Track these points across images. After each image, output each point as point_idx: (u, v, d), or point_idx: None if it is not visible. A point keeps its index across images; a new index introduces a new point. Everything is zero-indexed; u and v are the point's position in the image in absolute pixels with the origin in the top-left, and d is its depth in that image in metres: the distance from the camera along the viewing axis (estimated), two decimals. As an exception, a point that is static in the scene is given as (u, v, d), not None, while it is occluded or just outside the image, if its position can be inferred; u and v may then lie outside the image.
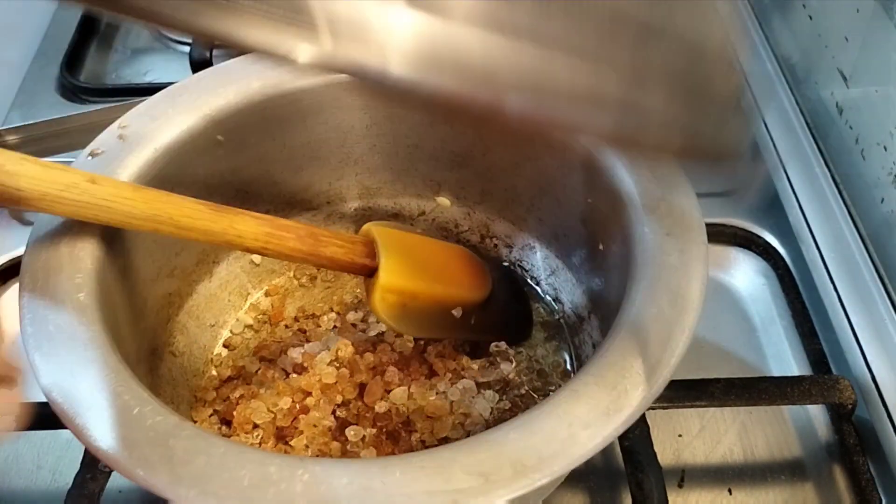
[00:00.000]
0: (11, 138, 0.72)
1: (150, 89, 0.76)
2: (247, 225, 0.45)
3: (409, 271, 0.51)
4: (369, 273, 0.50)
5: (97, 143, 0.49)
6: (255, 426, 0.51)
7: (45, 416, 0.51)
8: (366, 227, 0.52)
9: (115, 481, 0.50)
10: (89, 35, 0.90)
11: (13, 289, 0.65)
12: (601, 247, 0.51)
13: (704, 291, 0.41)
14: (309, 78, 0.54)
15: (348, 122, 0.57)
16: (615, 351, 0.39)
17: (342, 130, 0.57)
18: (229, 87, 0.53)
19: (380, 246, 0.50)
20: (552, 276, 0.59)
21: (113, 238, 0.46)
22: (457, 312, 0.53)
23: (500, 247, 0.62)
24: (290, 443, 0.50)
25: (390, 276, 0.50)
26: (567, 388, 0.38)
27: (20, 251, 0.65)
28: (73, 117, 0.73)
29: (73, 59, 0.85)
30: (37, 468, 0.55)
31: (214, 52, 0.77)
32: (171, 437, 0.36)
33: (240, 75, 0.53)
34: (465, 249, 0.59)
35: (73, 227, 0.45)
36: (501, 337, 0.57)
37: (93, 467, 0.48)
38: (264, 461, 0.35)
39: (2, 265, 0.66)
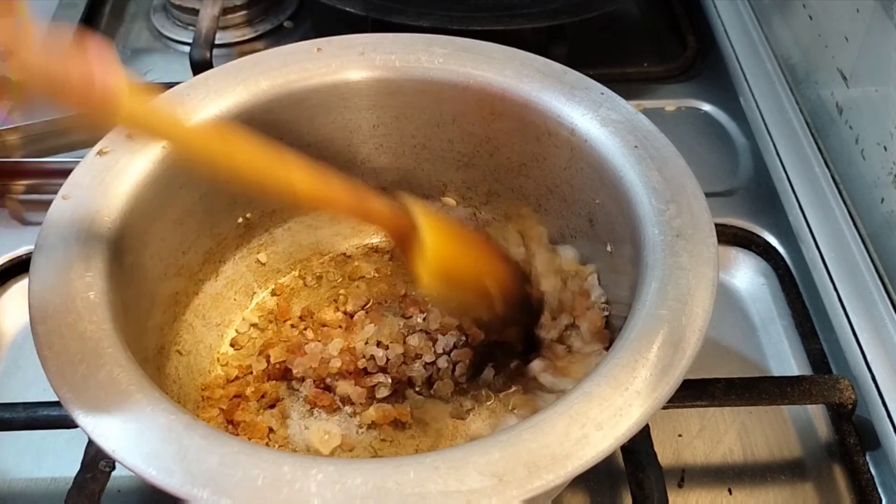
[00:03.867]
0: (11, 138, 0.72)
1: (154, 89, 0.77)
2: (300, 171, 0.45)
3: (451, 239, 0.50)
4: (403, 237, 0.48)
5: (105, 142, 0.49)
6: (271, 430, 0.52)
7: (45, 416, 0.51)
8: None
9: (115, 481, 0.49)
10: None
11: (13, 289, 0.65)
12: (609, 248, 0.52)
13: (714, 293, 0.42)
14: (317, 78, 0.54)
15: (355, 121, 0.57)
16: (626, 352, 0.39)
17: (349, 130, 0.57)
18: (237, 86, 0.53)
19: (416, 213, 0.48)
20: (559, 277, 0.59)
21: (122, 237, 0.46)
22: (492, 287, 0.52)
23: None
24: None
25: (436, 235, 0.48)
26: (579, 389, 0.38)
27: (20, 251, 0.65)
28: (73, 117, 0.72)
29: (72, 59, 0.85)
30: (37, 468, 0.55)
31: (214, 52, 0.77)
32: (183, 436, 0.37)
33: (247, 75, 0.53)
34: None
35: (83, 226, 0.45)
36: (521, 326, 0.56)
37: (93, 467, 0.48)
38: (278, 460, 0.36)
39: (2, 265, 0.65)
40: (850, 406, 0.53)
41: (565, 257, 0.57)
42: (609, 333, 0.53)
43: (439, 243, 0.48)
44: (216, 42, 0.80)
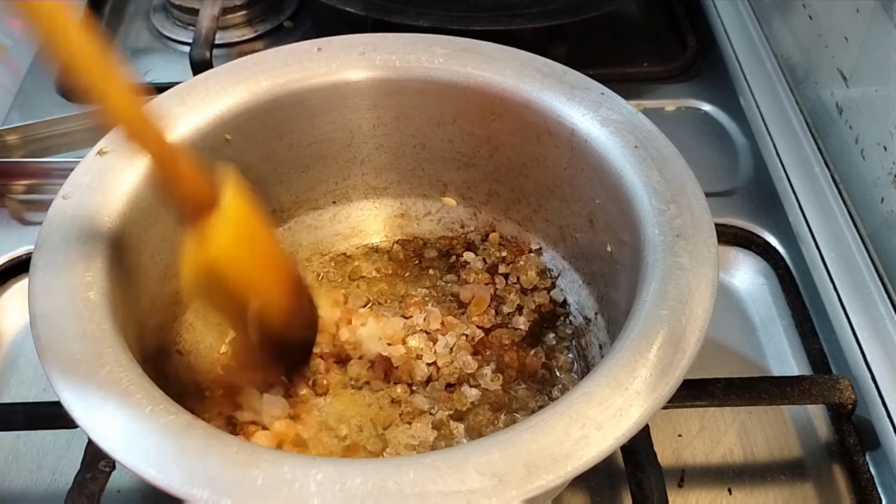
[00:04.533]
0: (11, 138, 0.72)
1: (150, 89, 0.77)
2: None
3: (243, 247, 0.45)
4: (194, 211, 0.43)
5: (106, 142, 0.49)
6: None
7: (45, 416, 0.51)
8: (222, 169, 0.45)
9: (115, 481, 0.49)
10: (89, 35, 0.89)
11: (13, 289, 0.65)
12: (609, 248, 0.52)
13: (715, 293, 0.42)
14: (317, 78, 0.54)
15: (355, 121, 0.57)
16: (626, 352, 0.39)
17: (349, 130, 0.57)
18: (238, 86, 0.53)
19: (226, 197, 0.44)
20: (559, 278, 0.59)
21: (122, 237, 0.46)
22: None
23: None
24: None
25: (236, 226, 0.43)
26: (579, 389, 0.38)
27: (20, 251, 0.65)
28: (73, 117, 0.73)
29: (73, 59, 0.85)
30: (37, 468, 0.54)
31: (214, 52, 0.78)
32: (183, 435, 0.37)
33: (248, 75, 0.53)
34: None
35: (83, 226, 0.45)
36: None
37: (93, 467, 0.48)
38: (277, 460, 0.36)
39: (2, 265, 0.65)
40: (849, 406, 0.53)
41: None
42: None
43: (237, 235, 0.44)
44: (216, 42, 0.80)
